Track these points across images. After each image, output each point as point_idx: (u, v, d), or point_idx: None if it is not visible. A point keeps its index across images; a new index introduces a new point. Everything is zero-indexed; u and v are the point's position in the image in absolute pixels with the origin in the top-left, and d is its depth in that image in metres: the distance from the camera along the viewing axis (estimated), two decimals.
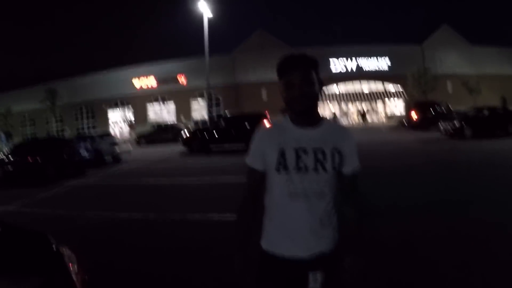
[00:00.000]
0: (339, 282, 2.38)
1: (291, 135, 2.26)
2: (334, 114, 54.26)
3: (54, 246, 3.17)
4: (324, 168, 2.23)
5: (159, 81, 59.74)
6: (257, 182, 2.41)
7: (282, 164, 2.24)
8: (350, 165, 2.34)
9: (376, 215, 7.52)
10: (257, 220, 2.44)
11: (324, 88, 54.58)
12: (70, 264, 2.98)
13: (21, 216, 10.60)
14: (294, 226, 2.27)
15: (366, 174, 11.54)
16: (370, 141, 24.67)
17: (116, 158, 23.13)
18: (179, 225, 8.17)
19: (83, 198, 12.63)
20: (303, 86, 2.19)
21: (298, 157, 2.22)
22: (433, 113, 32.36)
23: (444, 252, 5.64)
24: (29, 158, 18.14)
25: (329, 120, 2.40)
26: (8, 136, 55.74)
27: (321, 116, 2.35)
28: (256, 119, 22.02)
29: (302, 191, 2.23)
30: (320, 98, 2.34)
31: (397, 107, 56.36)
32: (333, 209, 2.35)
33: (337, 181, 2.35)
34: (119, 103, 63.94)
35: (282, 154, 2.24)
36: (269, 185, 2.37)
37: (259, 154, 2.34)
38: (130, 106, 63.20)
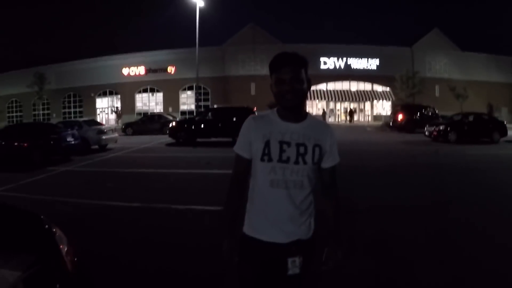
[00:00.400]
0: (315, 269, 2.56)
1: (277, 128, 2.43)
2: (324, 111, 54.40)
3: (46, 225, 3.21)
4: (304, 161, 2.39)
5: (148, 70, 59.47)
6: (243, 168, 2.57)
7: (267, 155, 2.40)
8: (330, 160, 2.54)
9: (356, 213, 7.69)
10: (243, 207, 2.58)
11: (312, 86, 54.48)
12: (61, 245, 3.01)
13: (3, 200, 10.59)
14: (274, 213, 2.42)
15: (350, 173, 11.77)
16: (355, 140, 24.90)
17: (103, 146, 23.03)
18: (163, 215, 8.29)
19: (67, 185, 12.59)
20: (293, 83, 2.35)
21: (282, 149, 2.38)
22: (419, 115, 32.65)
23: (420, 252, 5.82)
24: (14, 143, 18.07)
25: (313, 117, 2.57)
26: None
27: (306, 112, 2.51)
28: (244, 114, 21.97)
29: (283, 181, 2.39)
30: (307, 96, 2.55)
31: (384, 108, 56.60)
32: (312, 199, 2.53)
33: (317, 174, 2.53)
34: (107, 91, 63.50)
35: (267, 145, 2.40)
36: (253, 172, 2.53)
37: (247, 143, 2.50)
38: (118, 95, 62.77)
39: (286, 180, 2.39)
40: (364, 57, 56.06)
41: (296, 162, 2.39)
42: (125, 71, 61.03)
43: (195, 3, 40.21)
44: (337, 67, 56.27)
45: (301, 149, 2.40)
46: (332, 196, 2.64)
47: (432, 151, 19.14)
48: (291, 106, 2.40)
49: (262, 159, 2.42)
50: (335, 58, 56.10)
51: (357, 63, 56.34)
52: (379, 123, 47.05)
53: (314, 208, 2.57)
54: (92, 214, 8.66)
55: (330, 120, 55.01)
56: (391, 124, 35.28)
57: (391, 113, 39.89)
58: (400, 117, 32.97)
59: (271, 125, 2.45)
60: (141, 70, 60.28)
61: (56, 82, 61.62)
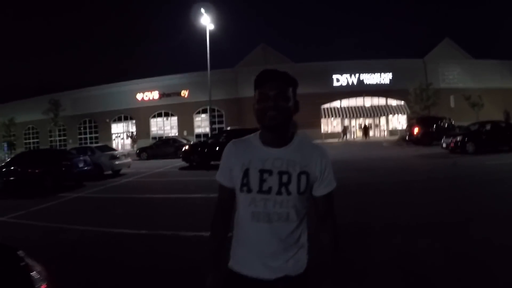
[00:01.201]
0: None
1: (258, 155, 2.21)
2: (344, 127, 53.82)
3: (22, 262, 3.05)
4: (288, 192, 2.14)
5: (162, 95, 59.65)
6: (227, 197, 2.37)
7: (245, 185, 2.18)
8: (322, 187, 2.25)
9: (371, 233, 7.37)
10: (229, 239, 2.39)
11: (326, 103, 55.11)
12: (37, 284, 2.84)
13: (11, 227, 10.56)
14: (257, 248, 2.19)
15: (365, 190, 11.44)
16: (370, 156, 24.44)
17: (116, 171, 23.00)
18: (171, 242, 7.99)
19: (77, 211, 12.48)
20: (278, 99, 2.13)
21: (262, 179, 2.16)
22: (435, 128, 32.08)
23: (439, 272, 5.46)
24: (27, 169, 18.25)
25: (301, 138, 2.30)
26: (11, 146, 56.03)
27: (292, 134, 2.27)
28: None
29: (265, 214, 2.16)
30: (292, 118, 2.23)
31: (400, 122, 55.70)
32: (302, 232, 2.26)
33: (307, 203, 2.26)
34: (122, 116, 63.94)
35: (246, 175, 2.19)
36: (237, 202, 2.32)
37: (227, 171, 2.31)
38: (133, 120, 63.12)
39: (268, 213, 2.15)
40: (377, 71, 55.43)
41: (279, 193, 2.14)
42: (139, 96, 61.35)
43: (205, 27, 40.37)
44: (350, 83, 55.65)
45: (284, 178, 2.15)
46: (327, 227, 2.33)
47: (450, 164, 18.56)
48: (274, 125, 2.14)
49: (241, 190, 2.20)
50: (348, 75, 55.50)
51: (370, 78, 55.65)
52: (395, 137, 46.42)
53: (306, 240, 2.31)
54: (97, 242, 8.50)
55: (346, 137, 54.58)
56: (407, 138, 34.74)
57: (406, 127, 39.30)
58: (416, 130, 32.40)
59: (251, 151, 2.24)
60: (155, 95, 60.50)
61: (71, 108, 62.33)
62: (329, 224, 2.32)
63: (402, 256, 6.16)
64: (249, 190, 2.17)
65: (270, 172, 2.15)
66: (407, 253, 6.29)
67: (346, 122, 56.02)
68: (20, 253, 3.19)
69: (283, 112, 2.14)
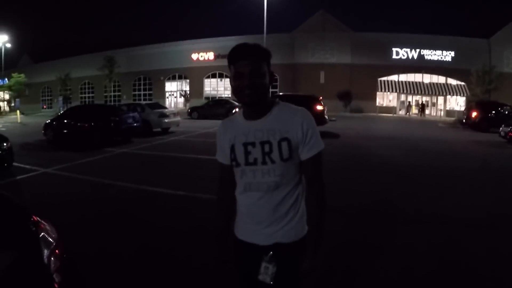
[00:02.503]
0: (293, 276, 2.31)
1: (241, 130, 2.30)
2: (409, 103, 52.50)
3: (32, 222, 2.95)
4: (272, 160, 2.21)
5: (217, 56, 59.58)
6: (225, 174, 2.47)
7: (234, 160, 2.31)
8: (306, 150, 2.25)
9: (416, 222, 7.01)
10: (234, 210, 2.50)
11: (383, 76, 53.89)
12: (46, 244, 2.74)
13: (52, 179, 10.78)
14: (251, 216, 2.32)
15: (416, 174, 10.98)
16: (424, 136, 23.49)
17: (165, 129, 23.20)
18: (206, 205, 7.87)
19: (120, 167, 12.65)
20: (252, 77, 2.15)
21: (247, 152, 2.25)
22: (495, 114, 30.62)
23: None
24: (77, 123, 18.58)
25: (281, 106, 2.31)
26: (66, 100, 57.66)
27: (271, 103, 2.30)
28: (309, 101, 21.37)
29: (255, 184, 2.26)
30: (269, 91, 2.29)
31: (458, 103, 53.20)
32: (296, 198, 2.31)
33: (298, 169, 2.31)
34: (176, 75, 64.55)
35: (232, 150, 2.31)
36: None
37: (221, 149, 2.44)
38: (187, 79, 63.61)
39: (258, 183, 2.25)
40: (439, 48, 52.88)
41: (264, 163, 2.22)
42: (194, 56, 61.58)
43: None
44: (410, 57, 53.55)
45: (266, 147, 2.21)
46: (314, 191, 2.32)
47: (507, 155, 17.32)
48: (250, 102, 2.21)
49: (231, 164, 2.35)
50: (408, 49, 53.34)
51: (431, 55, 53.24)
52: (452, 119, 44.78)
53: (304, 208, 2.36)
54: (132, 199, 8.56)
55: (401, 113, 53.31)
56: (464, 121, 33.41)
57: (464, 109, 37.73)
58: (474, 114, 30.99)
59: (235, 128, 2.35)
60: (210, 55, 60.53)
61: (126, 65, 63.27)
62: (316, 188, 2.32)
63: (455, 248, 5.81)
64: (238, 164, 2.28)
65: (253, 144, 2.23)
66: (438, 244, 5.92)
67: (403, 97, 54.52)
68: (34, 214, 3.05)
69: (259, 88, 2.17)
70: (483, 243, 5.90)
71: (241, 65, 2.16)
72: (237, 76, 2.17)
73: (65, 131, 19.11)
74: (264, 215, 2.26)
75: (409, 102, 53.03)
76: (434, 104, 54.37)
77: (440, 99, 53.95)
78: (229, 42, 57.75)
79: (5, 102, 66.81)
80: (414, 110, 53.24)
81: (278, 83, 55.80)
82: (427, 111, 52.21)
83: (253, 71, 2.14)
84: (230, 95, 55.94)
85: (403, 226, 6.63)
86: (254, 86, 2.14)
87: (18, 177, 10.88)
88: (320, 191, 2.32)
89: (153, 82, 66.10)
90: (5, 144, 11.31)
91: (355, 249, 5.72)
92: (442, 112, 53.19)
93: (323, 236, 2.33)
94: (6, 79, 64.58)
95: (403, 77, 53.90)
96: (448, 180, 10.71)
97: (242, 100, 2.22)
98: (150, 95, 65.86)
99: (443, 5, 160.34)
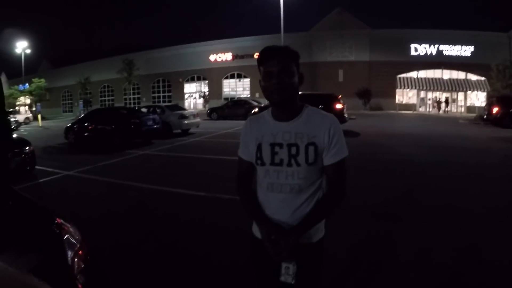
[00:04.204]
0: (314, 275, 2.39)
1: (269, 130, 2.34)
2: (439, 100, 51.50)
3: (56, 225, 2.99)
4: (297, 163, 2.25)
5: (235, 56, 59.72)
6: (246, 171, 2.52)
7: (259, 159, 2.34)
8: (330, 156, 2.29)
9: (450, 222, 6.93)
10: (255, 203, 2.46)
11: (402, 73, 53.44)
12: (70, 246, 2.78)
13: (75, 181, 10.90)
14: (271, 216, 2.32)
15: (435, 173, 10.83)
16: (444, 132, 23.16)
17: (184, 130, 23.31)
18: (227, 205, 7.88)
19: (141, 169, 12.72)
20: (282, 76, 2.20)
21: (273, 152, 2.29)
22: None
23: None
24: (98, 126, 18.82)
25: (311, 110, 2.36)
26: (87, 103, 58.39)
27: (301, 106, 2.36)
28: (328, 100, 21.30)
29: (278, 184, 2.30)
30: (298, 92, 2.33)
31: (479, 99, 52.29)
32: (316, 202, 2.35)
33: (321, 177, 2.36)
34: (195, 77, 64.82)
35: (259, 149, 2.34)
36: (257, 175, 2.47)
37: (245, 146, 2.47)
38: (206, 80, 63.86)
39: (281, 184, 2.29)
40: (458, 43, 52.06)
41: (289, 164, 2.26)
42: (212, 57, 61.83)
43: None
44: (429, 53, 52.95)
45: (293, 150, 2.26)
46: (333, 192, 2.34)
47: None
48: (280, 101, 2.25)
49: (256, 163, 2.38)
50: (427, 45, 52.73)
51: (450, 50, 52.48)
52: (473, 115, 44.10)
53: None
54: (153, 201, 8.60)
55: (421, 110, 52.82)
56: (485, 117, 32.86)
57: (485, 105, 37.10)
58: (495, 110, 30.42)
59: (263, 127, 2.38)
60: (228, 56, 60.79)
61: (145, 68, 64.02)
62: (336, 191, 2.34)
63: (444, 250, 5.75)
64: (263, 163, 2.32)
65: (280, 145, 2.27)
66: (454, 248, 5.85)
67: (423, 94, 53.99)
68: (57, 217, 3.10)
69: (288, 88, 2.21)
70: (503, 238, 5.81)
71: (270, 65, 2.20)
72: (267, 76, 2.22)
73: (86, 134, 19.39)
74: (284, 216, 2.29)
75: (439, 99, 52.03)
76: (454, 101, 53.58)
77: (460, 95, 53.07)
78: (247, 42, 58.04)
79: (26, 107, 67.64)
80: (434, 106, 52.48)
81: None
82: (447, 108, 51.40)
83: (282, 70, 2.19)
84: (249, 95, 56.06)
85: (425, 223, 6.56)
86: (283, 85, 2.19)
87: (41, 180, 11.04)
88: (339, 195, 2.34)
89: (172, 84, 66.52)
90: (27, 147, 11.46)
91: (377, 245, 5.71)
92: (462, 108, 52.38)
93: (311, 227, 2.31)
94: (27, 84, 65.51)
95: (422, 74, 53.33)
96: (470, 177, 10.50)
97: (272, 99, 2.25)
98: (169, 96, 66.35)
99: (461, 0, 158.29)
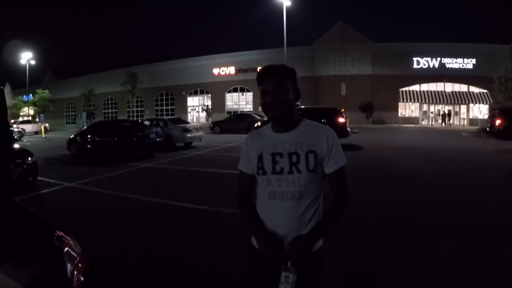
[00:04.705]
0: (313, 285, 2.45)
1: (269, 141, 2.46)
2: (444, 113, 51.51)
3: (56, 237, 2.98)
4: (298, 170, 2.35)
5: (238, 70, 59.94)
6: (246, 184, 2.63)
7: (261, 169, 2.43)
8: (331, 164, 2.41)
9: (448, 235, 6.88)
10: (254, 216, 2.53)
11: (405, 87, 53.42)
12: (70, 259, 2.74)
13: (78, 193, 10.91)
14: (272, 225, 2.41)
15: (438, 186, 10.78)
16: (447, 145, 23.02)
17: (187, 144, 23.27)
18: (229, 219, 7.84)
19: (144, 182, 12.67)
20: (276, 94, 2.35)
21: (274, 161, 2.40)
22: None
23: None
24: (100, 138, 18.86)
25: (308, 122, 2.51)
26: (90, 115, 58.59)
27: (299, 119, 2.50)
28: (331, 114, 21.32)
29: (279, 192, 2.39)
30: (295, 106, 2.47)
31: (481, 111, 52.47)
32: (317, 211, 2.44)
33: (321, 185, 2.47)
34: (198, 90, 65.01)
35: (260, 159, 2.44)
36: (257, 187, 2.56)
37: (246, 159, 2.59)
38: (209, 94, 64.07)
39: (282, 192, 2.38)
40: (460, 56, 52.20)
41: (290, 172, 2.36)
42: (215, 71, 62.20)
43: (282, 3, 39.99)
44: (431, 66, 53.07)
45: (294, 158, 2.37)
46: (339, 198, 2.46)
47: None
48: (275, 117, 2.41)
49: (258, 173, 2.47)
50: (429, 58, 52.88)
51: (452, 63, 52.58)
52: (476, 127, 44.00)
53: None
54: (156, 213, 8.59)
55: (424, 123, 52.79)
56: (488, 129, 32.77)
57: (488, 118, 37.03)
58: (498, 122, 30.35)
59: (264, 139, 2.50)
60: (231, 70, 61.21)
61: (148, 81, 64.42)
62: (341, 196, 2.45)
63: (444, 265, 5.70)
64: (264, 173, 2.42)
65: (281, 155, 2.39)
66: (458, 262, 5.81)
67: (425, 107, 53.96)
68: (57, 229, 3.08)
69: (282, 104, 2.36)
70: (509, 251, 5.75)
71: (266, 83, 2.37)
72: (263, 93, 2.39)
73: (89, 146, 19.43)
74: (286, 225, 2.37)
75: (444, 112, 52.15)
76: (456, 113, 53.53)
77: (463, 107, 52.99)
78: (250, 56, 58.26)
79: (30, 117, 67.86)
80: (439, 120, 52.37)
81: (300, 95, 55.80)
82: (450, 121, 51.31)
83: (277, 88, 2.34)
84: (251, 109, 56.10)
85: (428, 236, 6.52)
86: (277, 102, 2.34)
87: (43, 191, 11.04)
88: (344, 199, 2.46)
89: (175, 97, 66.84)
90: (30, 158, 11.49)
91: (378, 258, 5.66)
92: (465, 121, 52.31)
93: (324, 234, 2.43)
94: (31, 95, 65.82)
95: (425, 87, 53.41)
96: (474, 190, 10.45)
97: (268, 115, 2.41)
98: (172, 110, 66.62)
99: (462, 12, 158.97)
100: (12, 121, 48.41)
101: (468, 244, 6.14)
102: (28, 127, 46.08)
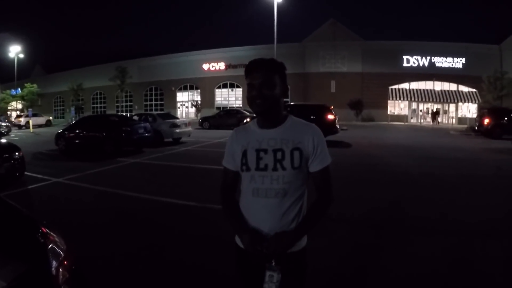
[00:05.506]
0: (298, 284, 2.43)
1: (254, 137, 2.42)
2: (433, 111, 51.19)
3: (40, 234, 2.98)
4: (283, 167, 2.32)
5: (228, 66, 59.84)
6: (230, 180, 2.62)
7: (244, 164, 2.40)
8: (316, 163, 2.38)
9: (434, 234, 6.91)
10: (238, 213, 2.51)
11: (394, 85, 53.56)
12: (55, 256, 2.73)
13: (65, 188, 10.85)
14: (256, 222, 2.38)
15: (427, 183, 10.82)
16: (436, 144, 23.19)
17: (176, 139, 23.20)
18: (218, 215, 7.84)
19: (131, 177, 12.66)
20: (262, 88, 2.29)
21: (258, 158, 2.35)
22: (507, 120, 30.17)
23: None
24: (89, 133, 18.75)
25: (294, 119, 2.47)
26: (79, 109, 58.25)
27: (285, 115, 2.45)
28: (320, 111, 21.38)
29: (263, 189, 2.35)
30: (282, 101, 2.41)
31: (470, 110, 52.76)
32: (301, 208, 2.41)
33: (305, 183, 2.44)
34: (188, 86, 64.80)
35: (244, 155, 2.41)
36: (241, 184, 2.53)
37: (230, 155, 2.56)
38: (198, 89, 63.85)
39: (266, 189, 2.34)
40: (449, 55, 52.51)
41: (275, 169, 2.33)
42: (205, 66, 61.88)
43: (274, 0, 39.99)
44: (421, 65, 53.34)
45: (278, 155, 2.33)
46: (323, 197, 2.43)
47: None
48: (260, 111, 2.36)
49: (242, 169, 2.43)
50: (419, 56, 53.14)
51: (442, 62, 52.91)
52: (464, 126, 44.23)
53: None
54: (145, 209, 8.56)
55: (412, 121, 53.02)
56: (476, 128, 32.98)
57: (476, 117, 37.23)
58: (486, 121, 30.55)
59: (249, 135, 2.46)
60: (221, 65, 60.90)
61: (138, 75, 64.06)
62: (325, 195, 2.42)
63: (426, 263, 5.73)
64: (248, 169, 2.38)
65: (265, 151, 2.35)
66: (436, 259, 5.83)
67: (414, 105, 54.24)
68: (43, 226, 3.07)
69: (268, 99, 2.30)
70: (495, 250, 5.80)
71: (253, 77, 2.31)
72: (250, 87, 2.33)
73: (77, 141, 19.29)
74: (269, 222, 2.33)
75: (432, 110, 52.30)
76: (445, 112, 53.85)
77: (452, 106, 53.42)
78: (240, 52, 58.12)
79: (18, 112, 67.43)
80: (428, 118, 52.55)
81: (289, 93, 55.67)
82: (439, 119, 51.45)
83: (263, 82, 2.28)
84: (241, 105, 56.06)
85: (415, 234, 6.54)
86: (263, 97, 2.28)
87: (30, 186, 10.96)
88: (328, 197, 2.43)
89: (165, 92, 66.43)
90: (17, 153, 11.41)
91: (365, 256, 5.67)
92: (453, 120, 52.72)
93: (307, 232, 2.40)
94: (19, 89, 65.32)
95: (414, 85, 53.63)
96: (461, 188, 10.54)
97: (253, 109, 2.36)
98: (161, 105, 66.24)
99: (453, 12, 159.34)
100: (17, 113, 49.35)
101: (455, 242, 6.18)
102: (34, 120, 46.98)
